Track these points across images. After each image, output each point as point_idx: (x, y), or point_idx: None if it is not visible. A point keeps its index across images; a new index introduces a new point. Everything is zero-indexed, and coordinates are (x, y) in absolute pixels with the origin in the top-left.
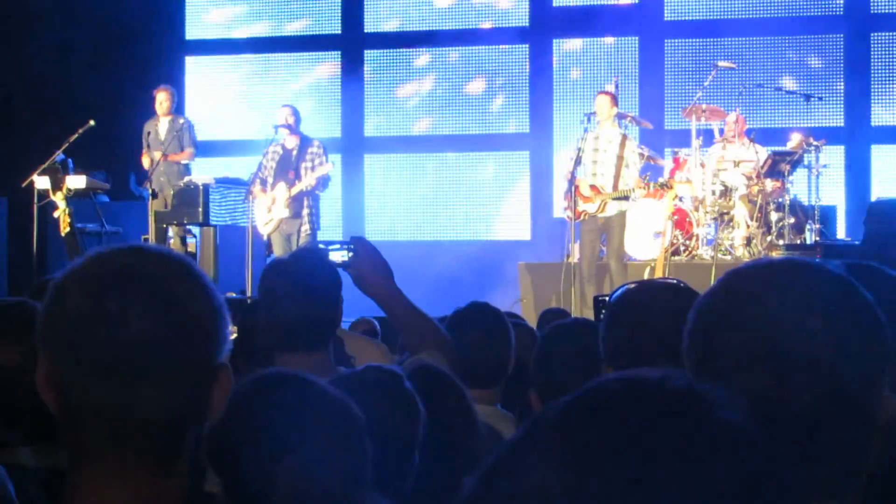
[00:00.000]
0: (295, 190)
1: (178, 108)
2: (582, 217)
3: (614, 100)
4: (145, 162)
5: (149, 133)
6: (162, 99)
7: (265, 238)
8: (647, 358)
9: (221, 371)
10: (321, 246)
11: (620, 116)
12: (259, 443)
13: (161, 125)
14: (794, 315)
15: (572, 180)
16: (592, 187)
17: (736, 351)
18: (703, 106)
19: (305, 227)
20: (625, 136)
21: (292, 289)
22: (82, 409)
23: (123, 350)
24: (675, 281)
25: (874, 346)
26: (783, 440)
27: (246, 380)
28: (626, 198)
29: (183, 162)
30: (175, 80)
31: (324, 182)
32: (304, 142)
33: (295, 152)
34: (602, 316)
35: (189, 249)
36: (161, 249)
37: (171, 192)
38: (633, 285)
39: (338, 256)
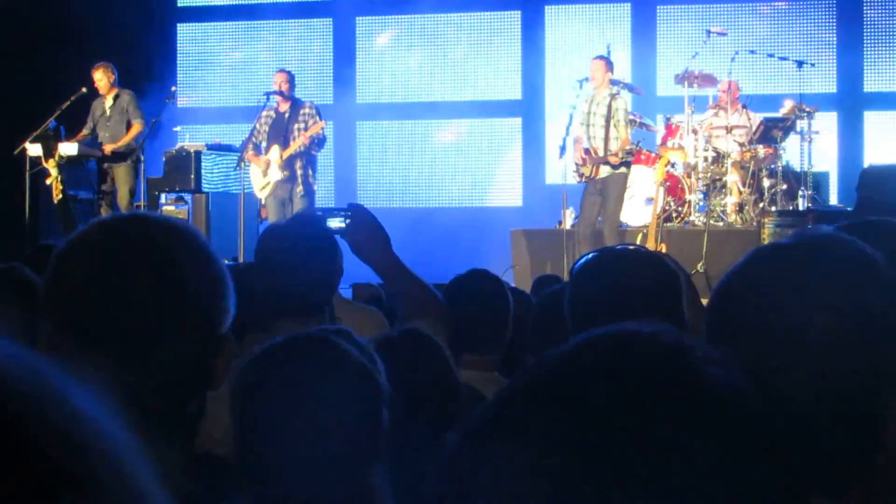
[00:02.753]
0: (288, 151)
1: (167, 75)
2: (582, 179)
3: (609, 65)
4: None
5: (95, 110)
6: (98, 77)
7: (262, 202)
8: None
9: (224, 341)
10: (318, 213)
11: (614, 83)
12: (276, 404)
13: (106, 102)
14: (804, 308)
15: (564, 148)
16: (586, 151)
17: (744, 336)
18: (696, 72)
19: (300, 189)
20: (613, 96)
21: (290, 254)
22: None
23: (128, 321)
24: (633, 246)
25: (888, 350)
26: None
27: (277, 341)
28: (617, 165)
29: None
30: (167, 47)
31: (319, 142)
32: (296, 104)
33: (287, 115)
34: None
35: (181, 216)
36: (165, 219)
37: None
38: (594, 253)
39: (335, 223)
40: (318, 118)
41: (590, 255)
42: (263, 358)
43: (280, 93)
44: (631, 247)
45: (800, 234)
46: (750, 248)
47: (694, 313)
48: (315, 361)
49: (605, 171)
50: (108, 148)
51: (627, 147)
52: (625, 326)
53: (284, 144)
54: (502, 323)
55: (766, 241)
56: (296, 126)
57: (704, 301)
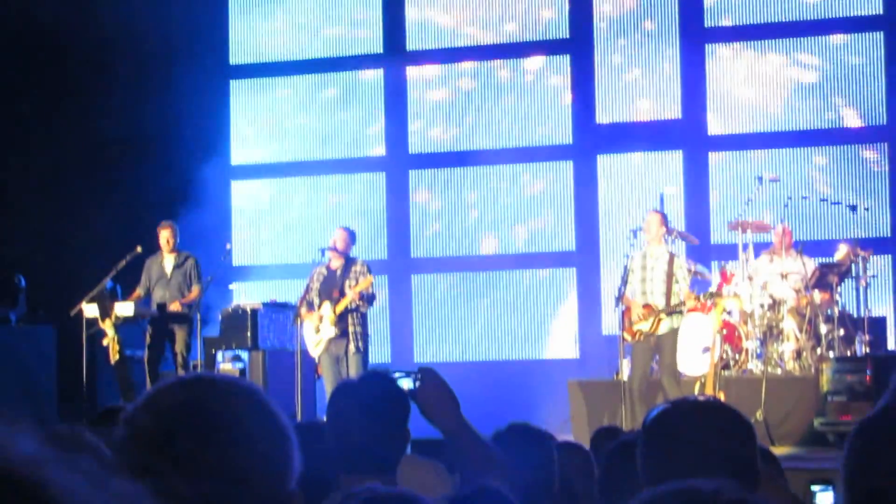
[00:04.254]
0: (340, 307)
1: (222, 232)
2: (637, 337)
3: (664, 219)
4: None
5: (151, 269)
6: (166, 236)
7: (316, 360)
8: (684, 478)
9: (293, 498)
10: (389, 371)
11: (668, 231)
12: None
13: (167, 262)
14: None
15: (619, 299)
16: (646, 306)
17: None
18: (749, 220)
19: (352, 347)
20: (672, 255)
21: (362, 411)
22: None
23: (197, 486)
24: (710, 398)
25: None
26: None
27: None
28: (679, 312)
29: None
30: (222, 202)
31: (369, 298)
32: (349, 261)
33: (339, 272)
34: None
35: (237, 374)
36: (227, 379)
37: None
38: (667, 405)
39: (405, 384)
40: (367, 274)
41: (663, 407)
42: None
43: (334, 248)
44: (701, 398)
45: None
46: (808, 395)
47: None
48: None
49: (664, 327)
50: (174, 305)
51: (693, 298)
52: (690, 484)
53: (336, 300)
54: (547, 478)
55: (824, 388)
56: (347, 283)
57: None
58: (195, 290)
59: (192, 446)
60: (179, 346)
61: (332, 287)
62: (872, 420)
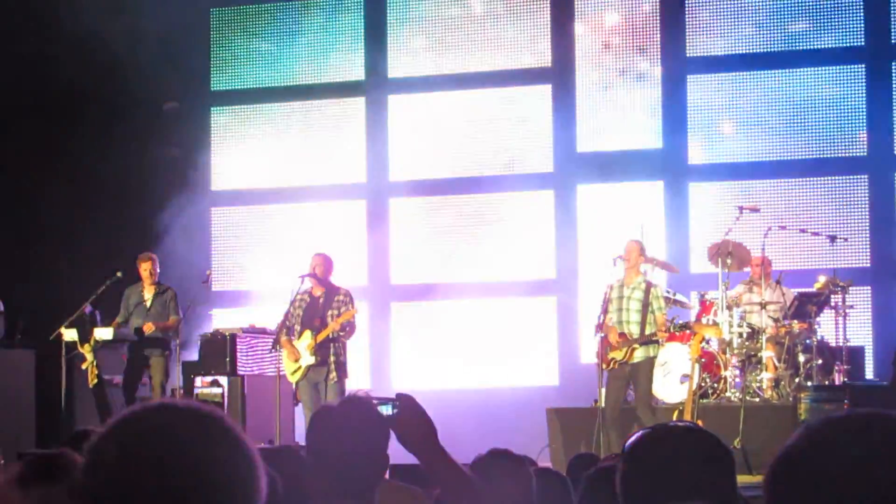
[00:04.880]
0: (321, 337)
1: (200, 258)
2: (611, 365)
3: (642, 249)
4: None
5: (130, 298)
6: (146, 268)
7: (294, 386)
8: (664, 503)
9: None
10: (368, 397)
11: (647, 262)
12: None
13: (146, 292)
14: (865, 469)
15: (598, 327)
16: (621, 335)
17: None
18: (730, 247)
19: (332, 376)
20: (649, 284)
21: (342, 435)
22: None
23: None
24: (690, 423)
25: None
26: None
27: None
28: (655, 342)
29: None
30: (203, 230)
31: (350, 328)
32: (330, 290)
33: (322, 300)
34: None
35: (215, 399)
36: (191, 407)
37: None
38: (647, 430)
39: (383, 411)
40: (350, 306)
41: (643, 432)
42: None
43: (313, 275)
44: (680, 424)
45: (844, 411)
46: (786, 424)
47: None
48: None
49: (638, 355)
50: (148, 327)
51: (665, 328)
52: None
53: (317, 329)
54: None
55: (802, 417)
56: (329, 312)
57: (741, 478)
58: (173, 319)
59: (155, 475)
60: (157, 375)
61: (313, 315)
62: (778, 464)
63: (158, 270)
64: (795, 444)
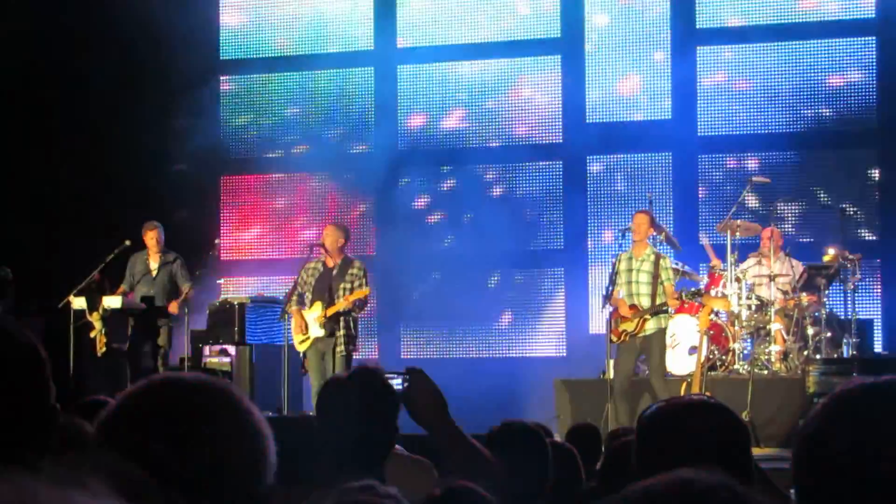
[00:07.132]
0: (331, 311)
1: (210, 228)
2: (622, 338)
3: (652, 220)
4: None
5: (135, 266)
6: (152, 237)
7: (301, 355)
8: None
9: (271, 494)
10: (379, 368)
11: (655, 234)
12: None
13: (152, 261)
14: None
15: (607, 299)
16: (631, 307)
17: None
18: (738, 221)
19: (340, 349)
20: (658, 255)
21: (351, 407)
22: None
23: (166, 486)
24: (705, 396)
25: None
26: None
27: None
28: (665, 312)
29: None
30: (211, 204)
31: (360, 304)
32: (345, 262)
33: (335, 272)
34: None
35: (224, 368)
36: (197, 380)
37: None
38: (662, 403)
39: (393, 385)
40: (363, 281)
41: (657, 406)
42: None
43: (323, 245)
44: (696, 397)
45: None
46: (795, 397)
47: None
48: None
49: (650, 327)
50: (172, 307)
51: (676, 296)
52: (683, 476)
53: (328, 302)
54: (541, 477)
55: (811, 390)
56: (342, 285)
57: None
58: (186, 288)
59: (164, 450)
60: (162, 341)
61: (325, 286)
62: (808, 438)
63: (163, 238)
64: (824, 416)
